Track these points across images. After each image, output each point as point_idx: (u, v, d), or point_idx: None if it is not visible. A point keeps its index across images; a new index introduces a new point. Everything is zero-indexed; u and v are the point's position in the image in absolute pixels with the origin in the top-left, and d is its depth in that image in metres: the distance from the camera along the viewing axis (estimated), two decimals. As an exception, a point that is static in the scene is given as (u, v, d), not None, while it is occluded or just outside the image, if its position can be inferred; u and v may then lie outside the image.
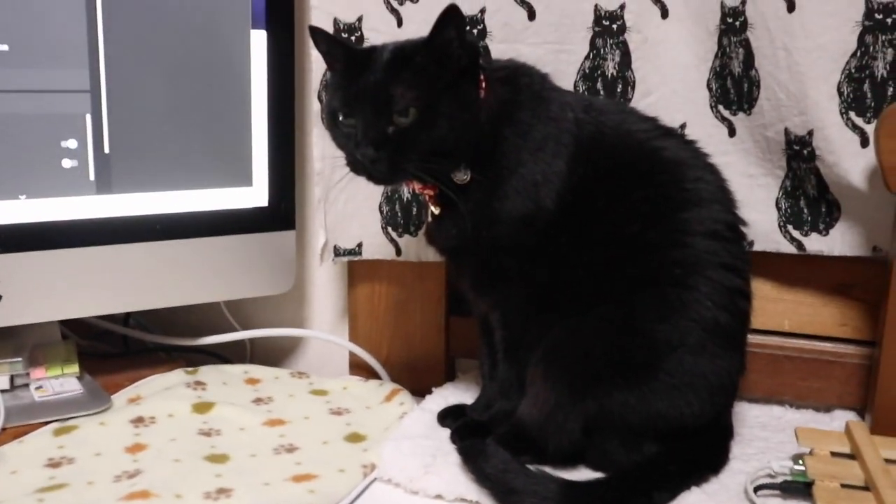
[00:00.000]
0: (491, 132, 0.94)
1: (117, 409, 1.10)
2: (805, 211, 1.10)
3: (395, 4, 1.16)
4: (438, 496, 0.93)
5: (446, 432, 1.05)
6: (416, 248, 1.25)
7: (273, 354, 1.44)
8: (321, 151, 1.24)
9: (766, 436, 1.08)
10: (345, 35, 1.19)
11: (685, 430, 0.94)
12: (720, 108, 1.12)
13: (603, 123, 0.98)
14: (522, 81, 0.98)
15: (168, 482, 0.92)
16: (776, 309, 1.18)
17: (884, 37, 1.00)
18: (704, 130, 1.11)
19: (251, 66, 1.18)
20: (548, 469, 0.92)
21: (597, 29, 1.13)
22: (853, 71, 1.02)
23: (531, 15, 1.13)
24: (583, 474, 0.96)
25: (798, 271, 1.16)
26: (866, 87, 1.02)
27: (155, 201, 1.16)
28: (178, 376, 1.20)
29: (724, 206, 0.98)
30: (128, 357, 1.33)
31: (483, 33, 1.14)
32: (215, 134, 1.19)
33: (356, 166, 0.93)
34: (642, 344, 0.92)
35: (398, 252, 1.26)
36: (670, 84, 1.13)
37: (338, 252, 1.28)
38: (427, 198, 0.99)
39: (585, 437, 0.95)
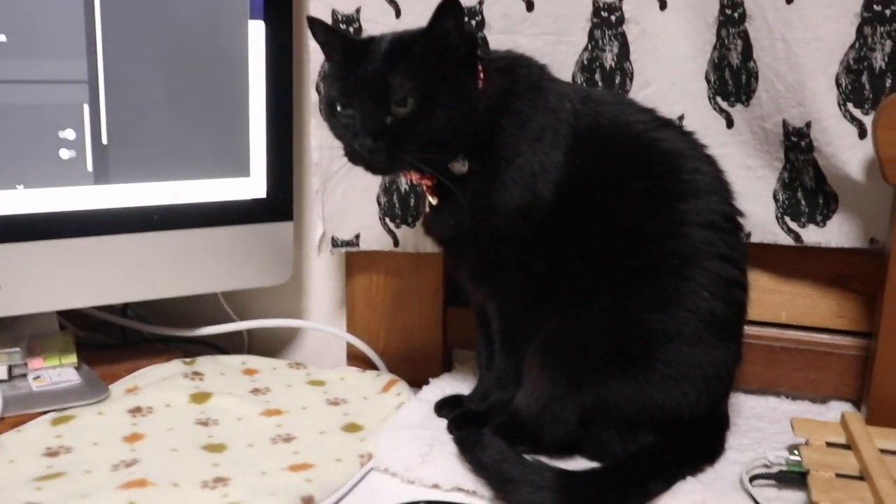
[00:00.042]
0: (489, 123, 0.94)
1: (115, 399, 1.10)
2: (803, 202, 1.10)
3: (394, -5, 1.16)
4: (435, 485, 0.93)
5: (443, 422, 1.05)
6: (414, 239, 1.25)
7: (271, 345, 1.44)
8: (319, 142, 1.24)
9: (762, 426, 1.08)
10: (343, 26, 1.19)
11: (681, 420, 0.94)
12: (718, 99, 1.12)
13: (601, 114, 0.98)
14: (520, 72, 0.98)
15: (165, 471, 0.92)
16: (773, 300, 1.18)
17: (882, 28, 1.00)
18: (702, 122, 1.11)
19: (249, 57, 1.18)
20: (544, 459, 0.92)
21: (595, 20, 1.13)
22: (851, 62, 1.02)
23: (529, 6, 1.13)
24: (579, 464, 0.96)
25: (795, 263, 1.16)
26: (864, 78, 1.02)
27: (153, 192, 1.16)
28: (175, 367, 1.20)
29: (722, 197, 0.98)
30: (125, 347, 1.33)
31: (481, 24, 1.14)
32: (213, 124, 1.18)
33: (354, 156, 0.93)
34: (639, 334, 0.92)
35: (396, 243, 1.26)
36: (669, 75, 1.13)
37: (335, 243, 1.28)
38: (425, 188, 0.99)
39: (582, 427, 0.95)
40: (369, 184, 1.24)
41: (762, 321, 1.17)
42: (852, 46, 1.02)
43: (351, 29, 1.19)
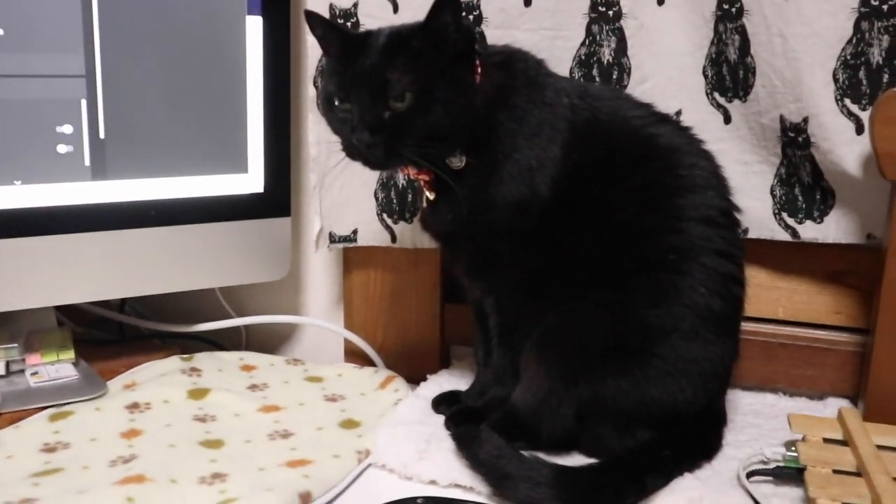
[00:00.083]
0: (486, 117, 0.94)
1: (113, 395, 1.10)
2: (800, 198, 1.10)
3: (392, -10, 1.16)
4: (432, 482, 0.93)
5: (441, 419, 1.05)
6: (412, 234, 1.25)
7: (268, 341, 1.44)
8: (317, 137, 1.24)
9: (759, 423, 1.08)
10: (341, 21, 1.19)
11: (678, 416, 0.94)
12: (716, 94, 1.12)
13: (598, 109, 0.98)
14: (518, 67, 0.98)
15: (163, 467, 0.92)
16: (770, 296, 1.18)
17: (879, 23, 1.00)
18: (700, 117, 1.11)
19: (247, 52, 1.18)
20: (541, 455, 0.92)
21: (593, 15, 1.13)
22: (849, 58, 1.02)
23: (527, 1, 1.13)
24: (576, 460, 0.96)
25: (792, 259, 1.16)
26: (862, 73, 1.02)
27: (150, 187, 1.16)
28: (173, 363, 1.20)
29: (719, 193, 0.98)
30: (123, 344, 1.34)
31: (479, 19, 1.14)
32: (211, 120, 1.18)
33: (352, 151, 0.93)
34: (636, 330, 0.92)
35: (393, 239, 1.26)
36: (666, 71, 1.12)
37: (333, 239, 1.28)
38: (422, 183, 0.99)
39: (579, 422, 0.95)
40: (367, 179, 1.24)
41: (759, 317, 1.17)
42: (850, 41, 1.02)
43: (349, 24, 1.19)
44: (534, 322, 0.96)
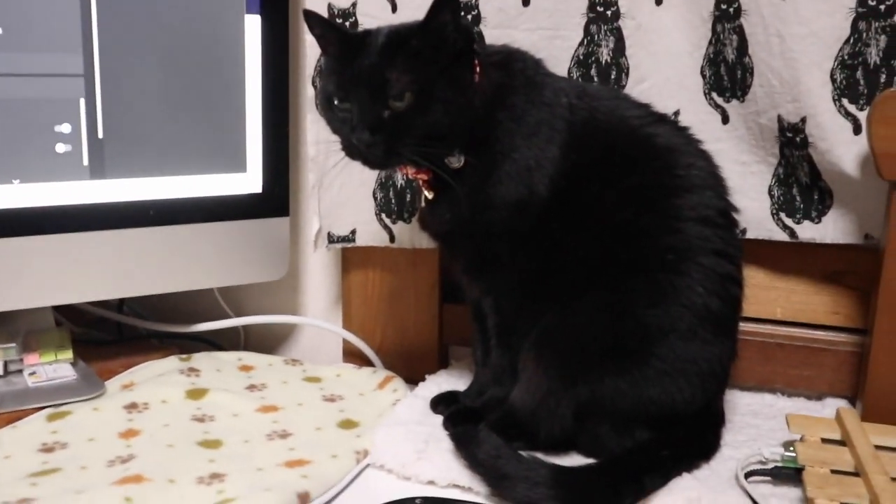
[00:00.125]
0: (485, 116, 0.94)
1: (111, 395, 1.10)
2: (797, 198, 1.10)
3: (390, -10, 1.16)
4: (431, 482, 0.93)
5: (439, 419, 1.05)
6: (410, 234, 1.25)
7: (267, 341, 1.44)
8: (315, 137, 1.24)
9: (757, 423, 1.08)
10: (339, 21, 1.19)
11: (677, 416, 0.94)
12: (714, 94, 1.12)
13: (596, 109, 0.98)
14: (516, 66, 0.98)
15: (161, 467, 0.92)
16: (768, 297, 1.18)
17: (877, 23, 1.00)
18: (698, 117, 1.11)
19: (245, 52, 1.18)
20: (540, 455, 0.92)
21: (591, 15, 1.13)
22: (846, 58, 1.02)
23: (525, 1, 1.13)
24: (575, 460, 0.96)
25: (790, 259, 1.16)
26: (859, 73, 1.02)
27: (148, 187, 1.16)
28: (171, 363, 1.20)
29: (717, 193, 0.98)
30: (121, 344, 1.33)
31: (477, 19, 1.14)
32: (209, 119, 1.18)
33: (352, 151, 0.93)
34: (634, 330, 0.92)
35: (392, 239, 1.26)
36: (664, 71, 1.13)
37: (332, 239, 1.28)
38: (421, 182, 0.99)
39: (577, 422, 0.95)
40: (366, 179, 1.24)
41: (757, 318, 1.17)
42: (847, 41, 1.02)
43: (347, 24, 1.19)
44: (532, 322, 0.96)
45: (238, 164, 1.21)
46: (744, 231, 1.10)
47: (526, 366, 0.97)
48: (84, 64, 1.08)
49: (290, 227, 1.29)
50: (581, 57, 1.14)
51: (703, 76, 1.12)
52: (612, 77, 1.14)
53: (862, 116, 1.02)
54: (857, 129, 1.03)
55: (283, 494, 0.87)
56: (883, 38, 1.01)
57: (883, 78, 1.02)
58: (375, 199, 1.25)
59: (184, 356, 1.23)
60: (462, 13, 1.10)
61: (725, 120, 1.12)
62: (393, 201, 1.24)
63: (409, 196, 1.24)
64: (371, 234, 1.27)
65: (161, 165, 1.16)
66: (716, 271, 0.94)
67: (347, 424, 1.07)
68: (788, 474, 0.91)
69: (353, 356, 1.35)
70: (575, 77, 1.14)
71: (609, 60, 1.14)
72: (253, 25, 1.18)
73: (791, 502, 0.89)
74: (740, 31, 1.06)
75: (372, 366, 1.31)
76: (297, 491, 0.88)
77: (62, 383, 1.12)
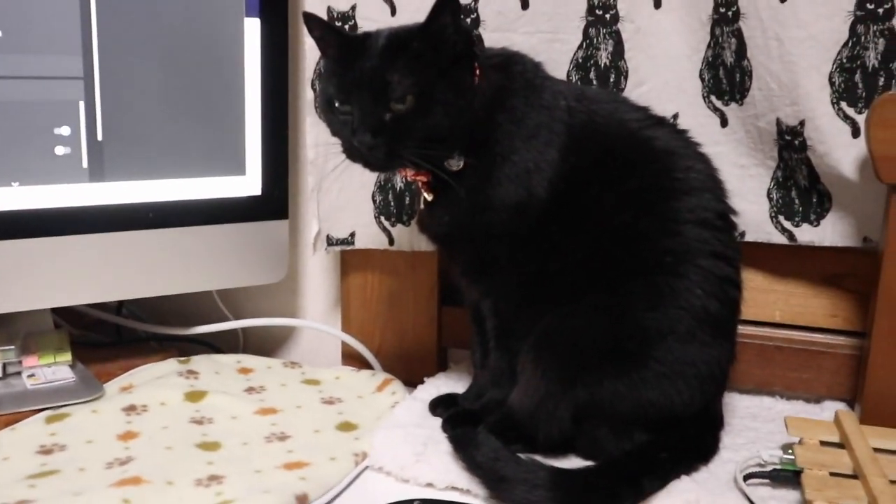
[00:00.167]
0: (485, 119, 0.94)
1: (109, 398, 1.10)
2: (796, 201, 1.10)
3: (390, -7, 1.16)
4: (429, 484, 0.93)
5: (438, 421, 1.05)
6: (409, 237, 1.25)
7: (266, 344, 1.44)
8: (315, 139, 1.24)
9: (756, 426, 1.08)
10: (338, 23, 1.19)
11: (675, 418, 0.94)
12: (712, 98, 1.12)
13: (595, 112, 0.98)
14: (515, 69, 0.98)
15: (160, 469, 0.92)
16: (767, 300, 1.19)
17: (875, 27, 1.01)
18: (696, 120, 1.11)
19: (245, 54, 1.18)
20: (538, 457, 0.92)
21: (590, 18, 1.13)
22: (845, 61, 1.02)
23: (524, 4, 1.13)
24: (573, 463, 0.96)
25: (789, 262, 1.16)
26: (858, 77, 1.02)
27: (148, 189, 1.16)
28: (170, 365, 1.20)
29: (715, 196, 0.98)
30: (120, 346, 1.33)
31: (476, 22, 1.14)
32: (208, 122, 1.18)
33: (353, 153, 0.93)
34: (632, 332, 0.92)
35: (391, 241, 1.26)
36: (663, 74, 1.13)
37: (331, 241, 1.28)
38: (420, 184, 0.99)
39: (576, 425, 0.95)
40: (365, 182, 1.24)
41: (756, 320, 1.18)
42: (845, 45, 1.02)
43: (346, 27, 1.19)
44: (531, 325, 0.96)
45: (237, 167, 1.21)
46: (742, 234, 1.10)
47: (525, 368, 0.97)
48: (83, 66, 1.08)
49: (290, 230, 1.29)
50: (580, 60, 1.14)
51: (702, 79, 1.12)
52: (611, 80, 1.14)
53: (860, 119, 1.03)
54: (855, 133, 1.03)
55: (282, 496, 0.87)
56: (881, 41, 1.01)
57: (881, 81, 1.02)
58: (374, 201, 1.25)
59: (182, 358, 1.23)
60: (461, 16, 1.10)
61: (724, 123, 1.12)
62: (392, 204, 1.24)
63: (408, 199, 1.24)
64: (370, 236, 1.27)
65: (160, 168, 1.16)
66: (714, 274, 0.94)
67: (346, 427, 1.06)
68: (787, 477, 0.91)
69: (351, 359, 1.35)
70: (574, 80, 1.15)
71: (608, 64, 1.14)
72: (252, 28, 1.18)
73: (790, 505, 0.89)
74: (739, 35, 1.06)
75: (371, 368, 1.31)
76: (295, 493, 0.88)
77: (61, 385, 1.12)
